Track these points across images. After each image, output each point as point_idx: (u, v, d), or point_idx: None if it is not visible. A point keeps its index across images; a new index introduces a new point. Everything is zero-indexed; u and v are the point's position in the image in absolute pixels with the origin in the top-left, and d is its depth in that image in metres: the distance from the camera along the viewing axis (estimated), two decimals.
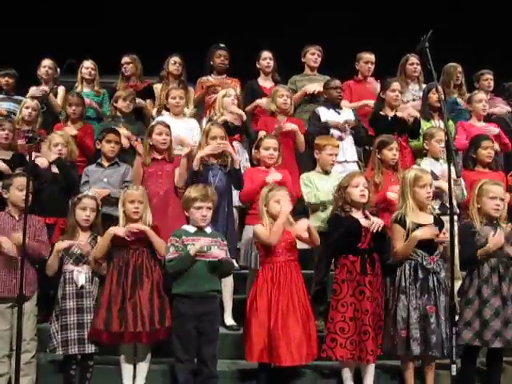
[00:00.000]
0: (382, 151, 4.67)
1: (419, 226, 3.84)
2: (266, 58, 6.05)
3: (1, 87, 6.09)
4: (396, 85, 5.37)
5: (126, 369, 3.93)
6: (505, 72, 6.38)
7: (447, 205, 4.10)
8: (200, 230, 3.88)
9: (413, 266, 3.85)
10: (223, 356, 4.12)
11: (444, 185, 4.41)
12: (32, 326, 3.93)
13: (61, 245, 3.93)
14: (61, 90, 6.05)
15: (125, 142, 5.07)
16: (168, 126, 4.72)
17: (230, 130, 4.93)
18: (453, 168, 3.13)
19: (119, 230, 3.91)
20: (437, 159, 4.86)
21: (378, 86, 5.84)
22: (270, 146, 4.58)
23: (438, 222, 3.95)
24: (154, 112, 5.84)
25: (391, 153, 4.65)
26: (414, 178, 3.95)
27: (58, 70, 6.11)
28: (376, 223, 3.91)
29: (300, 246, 4.11)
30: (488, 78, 6.17)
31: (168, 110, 5.45)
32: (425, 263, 3.84)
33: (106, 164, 4.86)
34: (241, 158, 5.20)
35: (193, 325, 3.74)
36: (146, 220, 4.00)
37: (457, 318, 3.73)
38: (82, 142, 5.20)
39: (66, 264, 3.94)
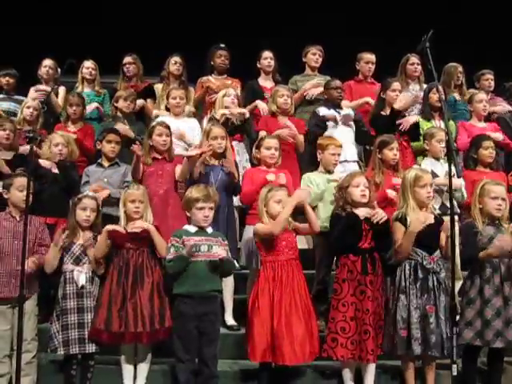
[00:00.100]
0: (382, 151, 4.67)
1: None
2: (267, 58, 6.05)
3: (1, 87, 6.10)
4: (396, 85, 5.38)
5: (127, 369, 3.93)
6: (505, 72, 6.39)
7: (448, 204, 4.10)
8: (201, 230, 3.88)
9: (413, 266, 3.86)
10: (224, 356, 4.13)
11: (444, 181, 4.43)
12: (33, 326, 3.94)
13: (58, 240, 3.93)
14: (61, 90, 6.05)
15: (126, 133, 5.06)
16: (168, 127, 4.72)
17: (230, 130, 4.94)
18: (454, 168, 3.13)
19: (115, 226, 3.92)
20: (437, 159, 4.85)
21: None
22: (271, 146, 4.58)
23: (438, 221, 3.95)
24: (154, 113, 5.83)
25: (392, 153, 4.66)
26: (414, 177, 3.96)
27: (59, 70, 6.11)
28: (380, 213, 3.90)
29: (300, 245, 4.12)
30: (489, 78, 6.17)
31: (168, 110, 5.45)
32: (425, 263, 3.84)
33: (106, 164, 4.86)
34: (241, 158, 5.22)
35: (194, 325, 3.74)
36: (146, 220, 4.01)
37: (457, 317, 3.73)
38: (82, 143, 5.20)
39: (66, 264, 3.94)
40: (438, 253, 3.92)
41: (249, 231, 4.32)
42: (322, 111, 5.32)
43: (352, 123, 5.37)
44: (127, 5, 7.74)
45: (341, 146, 4.68)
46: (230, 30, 7.26)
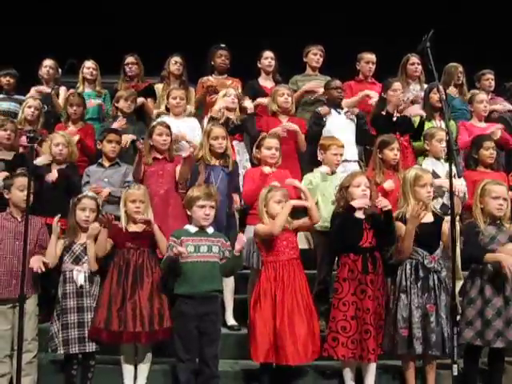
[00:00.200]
0: (383, 151, 4.68)
1: (420, 224, 3.83)
2: (268, 58, 6.05)
3: (1, 87, 6.10)
4: (397, 85, 5.38)
5: (127, 369, 3.93)
6: (505, 72, 6.39)
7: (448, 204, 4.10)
8: (201, 230, 3.88)
9: (414, 266, 3.86)
10: (225, 356, 4.13)
11: (444, 182, 4.44)
12: (33, 326, 3.93)
13: (56, 229, 3.94)
14: (62, 90, 6.05)
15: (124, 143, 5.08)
16: (168, 127, 4.73)
17: (230, 129, 4.94)
18: (454, 168, 3.14)
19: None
20: (438, 159, 4.86)
21: None
22: (272, 146, 4.58)
23: (438, 220, 3.96)
24: (154, 113, 5.83)
25: (392, 153, 4.66)
26: (414, 177, 3.97)
27: (59, 70, 6.12)
28: (383, 200, 3.88)
29: (301, 245, 4.12)
30: (489, 78, 6.18)
31: (168, 110, 5.45)
32: (426, 262, 3.84)
33: (106, 164, 4.86)
34: (241, 157, 5.21)
35: (194, 325, 3.73)
36: None
37: (458, 317, 3.73)
38: (84, 142, 5.20)
39: (65, 263, 3.95)
40: (438, 252, 3.92)
41: (250, 231, 4.31)
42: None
43: (354, 119, 5.37)
44: (128, 5, 7.75)
45: (343, 146, 4.68)
46: (231, 29, 7.27)
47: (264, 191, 4.01)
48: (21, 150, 5.03)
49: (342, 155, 4.67)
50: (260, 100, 5.69)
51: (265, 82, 6.04)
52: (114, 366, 4.01)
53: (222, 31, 7.02)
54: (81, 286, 3.88)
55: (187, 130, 5.18)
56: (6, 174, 4.48)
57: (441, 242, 3.96)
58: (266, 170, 4.46)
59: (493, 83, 6.18)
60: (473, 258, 3.88)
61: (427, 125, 5.31)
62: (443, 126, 5.16)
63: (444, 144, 4.73)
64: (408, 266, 3.86)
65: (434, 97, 5.39)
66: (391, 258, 3.97)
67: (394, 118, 5.26)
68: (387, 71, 6.00)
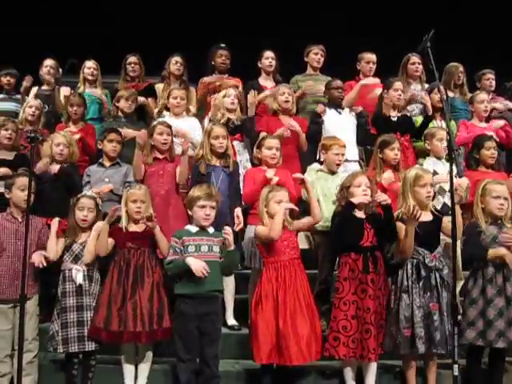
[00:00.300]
0: (383, 151, 4.68)
1: (419, 223, 3.83)
2: (269, 58, 6.05)
3: (2, 87, 6.10)
4: (398, 84, 5.38)
5: (128, 369, 3.93)
6: (506, 72, 6.39)
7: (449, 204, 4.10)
8: (202, 230, 3.88)
9: (415, 265, 3.86)
10: (227, 356, 4.13)
11: (444, 178, 4.45)
12: (34, 326, 3.94)
13: (54, 226, 3.99)
14: (63, 90, 6.04)
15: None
16: (169, 126, 4.72)
17: (231, 130, 4.94)
18: (455, 168, 3.14)
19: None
20: (439, 158, 4.86)
21: None
22: (272, 146, 4.58)
23: (438, 219, 3.95)
24: (155, 112, 5.83)
25: (393, 153, 4.66)
26: (414, 177, 3.96)
27: (60, 70, 6.12)
28: (382, 195, 3.90)
29: (301, 245, 4.12)
30: (490, 78, 6.17)
31: (169, 110, 5.45)
32: (427, 261, 3.84)
33: (107, 164, 4.84)
34: (241, 157, 5.21)
35: (195, 325, 3.73)
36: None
37: (459, 317, 3.73)
38: (85, 142, 5.20)
39: (65, 262, 3.95)
40: (439, 250, 3.92)
41: (250, 231, 4.31)
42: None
43: (354, 116, 5.37)
44: (127, 5, 7.75)
45: (344, 147, 4.67)
46: (231, 29, 7.28)
47: (265, 191, 4.01)
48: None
49: (343, 155, 4.67)
50: (262, 95, 5.67)
51: (265, 81, 6.04)
52: (115, 365, 4.01)
53: (222, 31, 7.02)
54: (79, 285, 3.88)
55: (188, 129, 5.18)
56: (7, 169, 4.48)
57: (441, 241, 3.96)
58: (269, 174, 4.42)
59: (493, 83, 6.18)
60: (475, 256, 3.88)
61: (428, 125, 5.31)
62: (444, 126, 5.16)
63: (445, 143, 4.73)
64: (409, 266, 3.86)
65: (435, 97, 5.39)
66: (392, 258, 3.97)
67: (395, 118, 5.27)
68: (387, 71, 6.00)
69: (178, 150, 4.81)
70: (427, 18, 7.13)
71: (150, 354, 3.96)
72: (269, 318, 3.77)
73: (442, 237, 4.00)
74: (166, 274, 3.89)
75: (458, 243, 4.11)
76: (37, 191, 4.09)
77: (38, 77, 6.15)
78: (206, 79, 5.90)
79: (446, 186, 4.54)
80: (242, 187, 4.63)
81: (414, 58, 5.97)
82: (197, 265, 3.70)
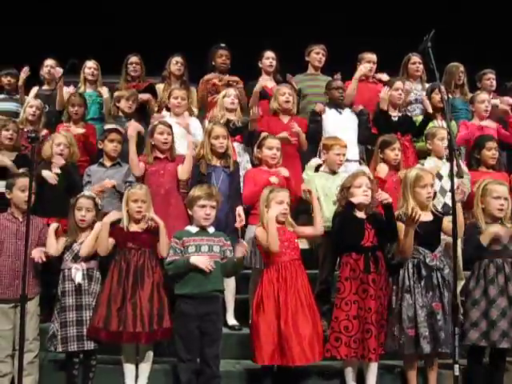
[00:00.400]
0: (384, 151, 4.69)
1: (420, 223, 3.83)
2: (269, 58, 6.05)
3: (2, 87, 6.10)
4: (399, 84, 5.39)
5: (128, 369, 3.93)
6: (506, 72, 6.39)
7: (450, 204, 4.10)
8: (202, 230, 3.88)
9: (416, 265, 3.86)
10: (228, 356, 4.13)
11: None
12: (35, 326, 3.94)
13: (53, 225, 3.99)
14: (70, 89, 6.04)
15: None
16: (170, 126, 4.72)
17: (231, 131, 4.94)
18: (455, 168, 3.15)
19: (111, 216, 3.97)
20: (440, 158, 4.85)
21: None
22: (273, 146, 4.58)
23: (438, 219, 3.96)
24: (155, 111, 5.83)
25: (393, 153, 4.67)
26: (414, 177, 3.96)
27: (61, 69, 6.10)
28: (383, 193, 3.90)
29: (302, 245, 4.11)
30: (490, 78, 6.16)
31: (169, 109, 5.45)
32: (427, 260, 3.85)
33: (108, 164, 4.85)
34: (242, 158, 5.21)
35: (195, 325, 3.73)
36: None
37: (461, 317, 3.72)
38: (87, 140, 5.20)
39: (65, 261, 3.95)
40: (439, 249, 3.92)
41: (251, 231, 4.30)
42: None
43: (356, 117, 5.38)
44: (128, 5, 7.75)
45: (345, 147, 4.66)
46: (231, 29, 7.28)
47: (265, 192, 4.00)
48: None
49: (344, 155, 4.66)
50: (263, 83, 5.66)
51: (265, 82, 6.03)
52: (115, 365, 4.01)
53: (222, 31, 7.01)
54: (79, 284, 3.88)
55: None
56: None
57: (442, 240, 3.96)
58: (273, 180, 4.39)
59: (494, 83, 6.17)
60: (475, 254, 3.88)
61: (429, 125, 5.31)
62: (444, 125, 5.16)
63: (446, 143, 4.72)
64: (410, 266, 3.86)
65: (436, 97, 5.40)
66: (393, 258, 3.97)
67: (396, 118, 5.27)
68: (388, 71, 6.00)
69: (178, 150, 4.82)
70: (427, 17, 7.13)
71: (150, 354, 3.95)
72: (270, 319, 3.77)
73: (442, 236, 4.00)
74: (166, 275, 3.89)
75: (459, 243, 4.12)
76: (37, 191, 4.09)
77: (39, 77, 6.15)
78: (206, 76, 5.90)
79: (447, 186, 4.54)
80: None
81: (415, 58, 5.98)
82: (202, 261, 3.71)
